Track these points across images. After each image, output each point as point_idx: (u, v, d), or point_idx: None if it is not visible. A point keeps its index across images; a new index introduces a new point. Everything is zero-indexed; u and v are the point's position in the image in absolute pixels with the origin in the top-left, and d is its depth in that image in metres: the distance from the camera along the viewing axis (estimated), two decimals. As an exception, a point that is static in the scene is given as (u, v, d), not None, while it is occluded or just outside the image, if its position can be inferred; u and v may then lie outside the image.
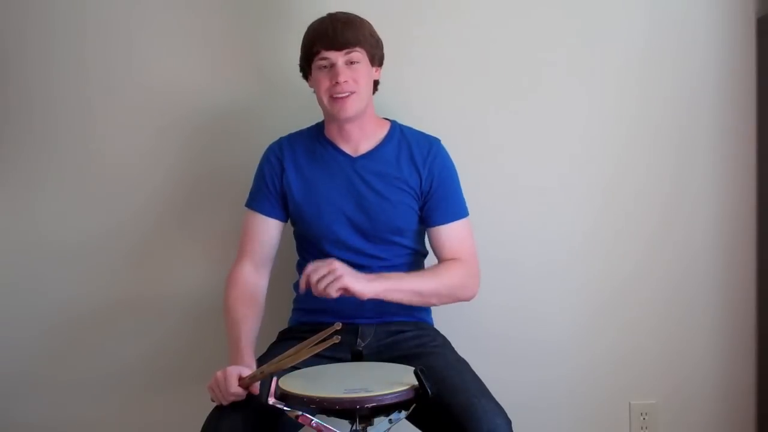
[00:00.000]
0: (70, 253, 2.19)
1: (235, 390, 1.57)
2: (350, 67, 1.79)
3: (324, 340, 1.50)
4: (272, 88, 2.16)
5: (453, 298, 1.84)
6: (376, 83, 1.90)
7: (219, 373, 1.60)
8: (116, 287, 2.20)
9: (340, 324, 1.49)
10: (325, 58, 1.79)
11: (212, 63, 2.17)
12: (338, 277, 1.61)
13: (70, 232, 2.19)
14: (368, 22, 1.85)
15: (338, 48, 1.77)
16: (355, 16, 1.83)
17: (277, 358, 1.56)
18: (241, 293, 1.82)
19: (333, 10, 1.86)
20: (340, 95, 1.78)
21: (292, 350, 1.55)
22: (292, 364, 1.55)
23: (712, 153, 2.22)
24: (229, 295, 1.83)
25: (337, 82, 1.78)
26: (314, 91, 1.86)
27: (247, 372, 1.60)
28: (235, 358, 1.68)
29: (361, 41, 1.79)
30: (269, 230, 1.89)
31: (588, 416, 2.25)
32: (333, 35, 1.78)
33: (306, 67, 1.85)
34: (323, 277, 1.61)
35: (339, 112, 1.81)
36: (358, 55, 1.79)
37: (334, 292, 1.61)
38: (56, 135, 2.18)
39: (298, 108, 2.04)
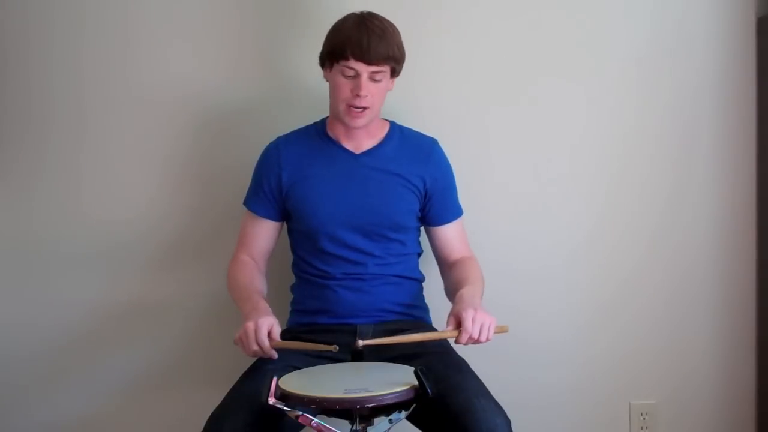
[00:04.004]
0: (72, 254, 2.18)
1: (265, 342, 1.64)
2: (373, 83, 1.80)
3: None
4: (279, 87, 2.16)
5: None
6: None
7: (250, 324, 1.65)
8: (118, 289, 2.19)
9: (337, 348, 1.62)
10: (351, 68, 1.78)
11: (216, 62, 2.17)
12: (491, 322, 1.66)
13: (71, 233, 2.18)
14: (398, 33, 1.84)
15: (368, 62, 1.77)
16: (389, 25, 1.82)
17: (301, 343, 1.71)
18: (242, 267, 1.90)
19: (341, 11, 1.86)
20: (356, 107, 1.80)
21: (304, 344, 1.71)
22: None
23: (712, 153, 2.22)
24: (232, 271, 1.90)
25: (357, 95, 1.79)
26: (326, 81, 1.87)
27: (277, 328, 1.67)
28: (253, 313, 1.70)
29: (389, 57, 1.79)
30: (264, 230, 1.93)
31: (588, 416, 2.25)
32: (367, 48, 1.76)
33: (327, 63, 1.84)
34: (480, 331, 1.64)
35: (351, 122, 1.83)
36: (384, 73, 1.80)
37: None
38: (57, 134, 2.17)
39: (305, 108, 2.05)
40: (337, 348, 1.61)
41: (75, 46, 2.16)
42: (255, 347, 1.65)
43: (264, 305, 1.75)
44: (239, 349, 1.69)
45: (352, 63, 1.78)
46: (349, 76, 1.79)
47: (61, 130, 2.17)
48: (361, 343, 1.62)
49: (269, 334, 1.66)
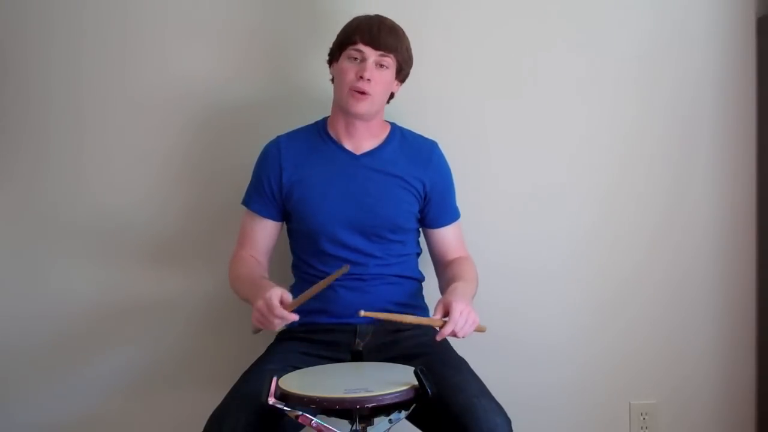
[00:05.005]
0: (71, 254, 2.18)
1: (281, 312, 1.61)
2: (378, 69, 1.83)
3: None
4: (281, 86, 2.16)
5: None
6: (391, 95, 1.94)
7: (260, 303, 1.63)
8: (117, 289, 2.19)
9: (348, 267, 1.65)
10: (359, 51, 1.83)
11: (218, 61, 2.16)
12: (474, 320, 1.66)
13: (72, 233, 2.18)
14: (408, 40, 1.90)
15: (375, 47, 1.82)
16: (400, 28, 1.88)
17: (311, 289, 1.67)
18: (242, 263, 1.90)
19: (345, 11, 1.88)
20: (359, 90, 1.82)
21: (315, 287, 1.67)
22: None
23: (712, 153, 2.22)
24: (233, 268, 1.90)
25: (361, 77, 1.81)
26: (332, 80, 1.89)
27: (286, 294, 1.65)
28: (260, 292, 1.66)
29: (398, 50, 1.85)
30: (264, 229, 1.92)
31: (588, 416, 2.25)
32: (377, 33, 1.83)
33: (336, 54, 1.88)
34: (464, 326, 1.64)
35: (350, 106, 1.84)
36: (390, 61, 1.84)
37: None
38: (57, 131, 2.16)
39: (306, 107, 2.05)
40: (349, 267, 1.64)
41: (75, 44, 2.15)
42: (276, 320, 1.63)
43: (266, 282, 1.75)
44: (254, 336, 1.68)
45: (360, 46, 1.82)
46: (355, 60, 1.83)
47: (61, 127, 2.16)
48: (362, 312, 1.59)
49: (282, 303, 1.63)
